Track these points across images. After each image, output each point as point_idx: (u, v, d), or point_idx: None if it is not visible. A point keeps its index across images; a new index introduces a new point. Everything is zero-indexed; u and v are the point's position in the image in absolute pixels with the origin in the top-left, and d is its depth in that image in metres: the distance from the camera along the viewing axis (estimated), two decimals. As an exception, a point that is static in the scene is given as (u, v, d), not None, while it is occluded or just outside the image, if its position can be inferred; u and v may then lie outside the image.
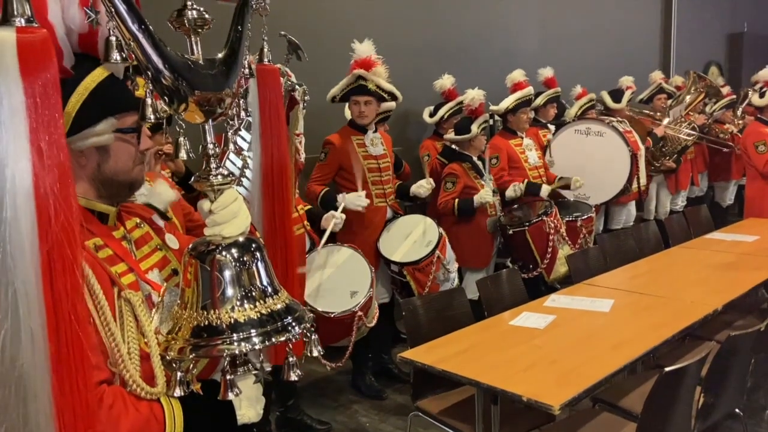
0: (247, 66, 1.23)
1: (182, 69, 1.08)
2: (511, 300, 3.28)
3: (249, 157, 2.70)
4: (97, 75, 1.21)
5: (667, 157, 5.87)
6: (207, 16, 1.13)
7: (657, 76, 6.64)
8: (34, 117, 0.89)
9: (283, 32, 2.50)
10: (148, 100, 1.07)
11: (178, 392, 1.14)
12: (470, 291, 3.61)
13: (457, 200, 4.24)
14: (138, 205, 1.48)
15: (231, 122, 1.24)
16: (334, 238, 3.56)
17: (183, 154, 1.15)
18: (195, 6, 1.12)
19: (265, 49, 1.33)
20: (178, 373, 1.14)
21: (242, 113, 1.25)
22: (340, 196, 3.67)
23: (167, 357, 1.14)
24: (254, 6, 1.23)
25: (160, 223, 1.46)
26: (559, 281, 4.43)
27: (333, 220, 3.46)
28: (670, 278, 3.56)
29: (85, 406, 0.97)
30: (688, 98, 6.18)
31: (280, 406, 3.47)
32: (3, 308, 0.89)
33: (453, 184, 4.28)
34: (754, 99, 5.37)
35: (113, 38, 1.03)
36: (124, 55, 1.04)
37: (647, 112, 6.28)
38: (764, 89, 5.49)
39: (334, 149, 3.82)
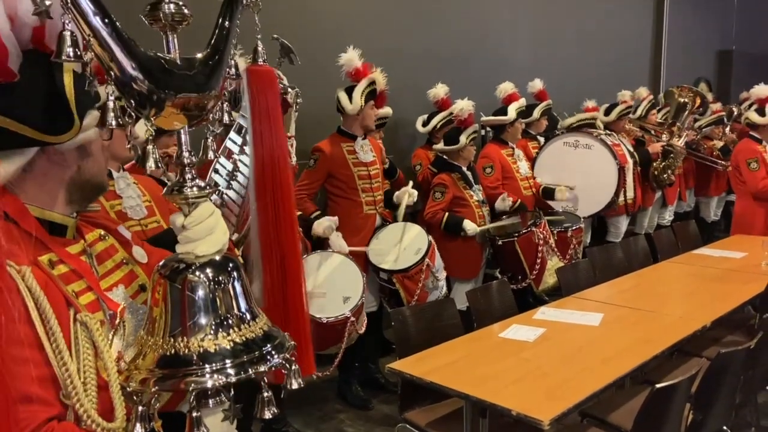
0: (233, 67, 1.12)
1: (154, 69, 0.96)
2: (500, 312, 3.26)
3: (240, 160, 2.66)
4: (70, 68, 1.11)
5: (672, 170, 5.91)
6: (186, 10, 1.01)
7: (643, 92, 6.69)
8: None
9: (275, 35, 2.48)
10: (110, 104, 0.94)
11: (138, 429, 0.99)
12: (459, 301, 3.59)
13: (446, 215, 4.23)
14: (103, 215, 1.36)
15: (212, 128, 1.12)
16: (324, 245, 3.53)
17: (151, 164, 1.01)
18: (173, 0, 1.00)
19: (260, 49, 1.22)
20: (140, 408, 1.00)
21: (225, 116, 1.13)
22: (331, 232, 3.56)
23: (128, 388, 1.00)
24: (245, 1, 1.13)
25: (127, 234, 1.34)
26: (547, 293, 4.42)
27: (332, 233, 3.45)
28: (659, 293, 3.57)
29: None
30: (687, 107, 6.21)
31: (264, 416, 3.42)
32: None
33: (442, 194, 4.27)
34: (752, 116, 5.36)
35: (67, 32, 0.90)
36: (79, 52, 0.91)
37: (651, 127, 6.29)
38: (755, 106, 5.52)
39: (323, 156, 3.79)
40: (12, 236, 1.05)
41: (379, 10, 5.15)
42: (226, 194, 2.59)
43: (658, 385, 2.12)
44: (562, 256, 4.40)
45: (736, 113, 6.95)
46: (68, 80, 1.10)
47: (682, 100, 6.31)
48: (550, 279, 4.27)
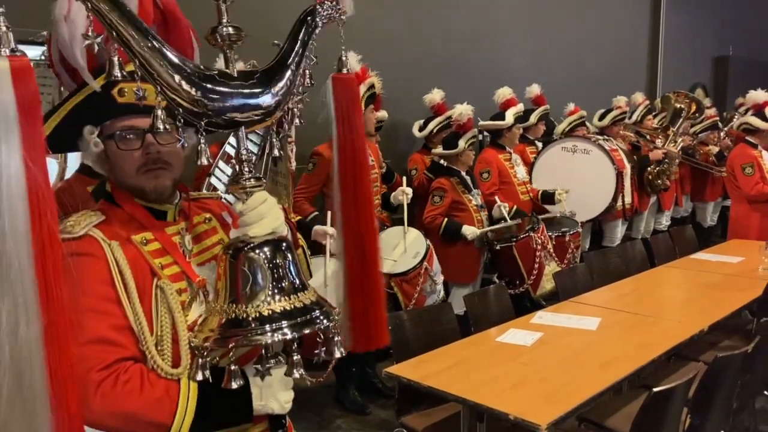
0: (308, 77, 1.28)
1: (203, 82, 1.11)
2: (497, 316, 3.26)
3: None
4: (79, 95, 1.33)
5: (666, 175, 5.92)
6: (243, 32, 1.19)
7: (639, 97, 6.71)
8: (25, 128, 1.00)
9: (276, 42, 2.49)
10: (158, 111, 1.11)
11: (199, 376, 1.22)
12: (456, 306, 3.58)
13: (445, 220, 4.23)
14: (215, 202, 1.60)
15: (277, 129, 1.31)
16: (322, 250, 3.52)
17: (204, 160, 1.17)
18: (229, 23, 1.18)
19: (344, 59, 1.37)
20: (200, 359, 1.21)
21: (297, 120, 1.30)
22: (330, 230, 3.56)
23: (192, 344, 1.24)
24: (325, 16, 1.28)
25: (229, 220, 1.54)
26: (545, 298, 4.42)
27: (329, 239, 3.43)
28: (656, 297, 3.57)
29: (69, 366, 1.05)
30: (682, 113, 6.24)
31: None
32: (6, 284, 0.99)
33: (441, 198, 4.27)
34: (753, 120, 5.37)
35: (115, 57, 1.07)
36: (124, 73, 1.09)
37: (644, 132, 6.31)
38: (751, 111, 5.54)
39: (322, 160, 3.78)
40: (117, 217, 1.36)
41: (377, 15, 5.16)
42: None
43: (655, 389, 2.12)
44: (560, 260, 4.40)
45: (735, 121, 6.98)
46: (66, 107, 1.34)
47: (678, 105, 6.34)
48: (547, 284, 4.26)
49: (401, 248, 3.82)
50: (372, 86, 3.79)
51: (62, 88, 2.15)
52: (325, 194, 3.87)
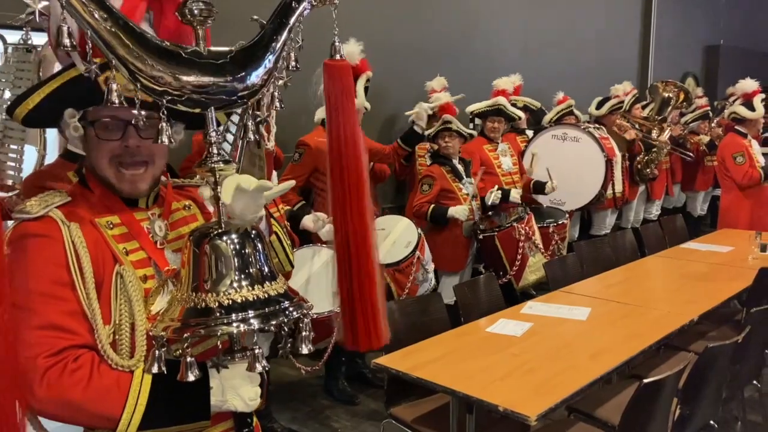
0: (293, 60, 1.24)
1: (165, 57, 1.07)
2: (487, 306, 3.24)
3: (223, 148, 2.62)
4: (67, 74, 1.24)
5: (654, 164, 5.92)
6: (213, 8, 1.15)
7: (627, 86, 6.69)
8: None
9: (255, 17, 2.43)
10: (113, 85, 1.06)
11: (155, 369, 1.15)
12: (446, 296, 3.56)
13: (431, 207, 4.20)
14: (197, 189, 1.53)
15: (256, 113, 1.26)
16: (312, 238, 3.48)
17: (165, 139, 1.12)
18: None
19: (337, 44, 1.31)
20: (157, 350, 1.15)
21: (277, 103, 1.27)
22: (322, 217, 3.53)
23: (151, 333, 1.18)
24: (314, 1, 1.23)
25: (211, 208, 1.48)
26: (531, 288, 4.39)
27: (324, 226, 3.39)
28: (646, 287, 3.57)
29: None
30: (671, 102, 6.24)
31: (250, 412, 3.38)
32: None
33: (429, 187, 4.24)
34: (740, 110, 5.37)
35: (64, 26, 1.02)
36: (74, 42, 1.04)
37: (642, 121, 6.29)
38: (740, 100, 5.54)
39: (309, 151, 3.73)
40: (85, 200, 1.31)
41: (373, 3, 5.09)
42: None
43: (645, 380, 2.11)
44: (544, 251, 4.37)
45: (727, 113, 6.98)
46: (52, 85, 1.26)
47: (666, 95, 6.33)
48: (531, 276, 4.22)
49: (392, 238, 3.78)
50: (368, 78, 3.74)
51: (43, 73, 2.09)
52: (312, 184, 3.83)
